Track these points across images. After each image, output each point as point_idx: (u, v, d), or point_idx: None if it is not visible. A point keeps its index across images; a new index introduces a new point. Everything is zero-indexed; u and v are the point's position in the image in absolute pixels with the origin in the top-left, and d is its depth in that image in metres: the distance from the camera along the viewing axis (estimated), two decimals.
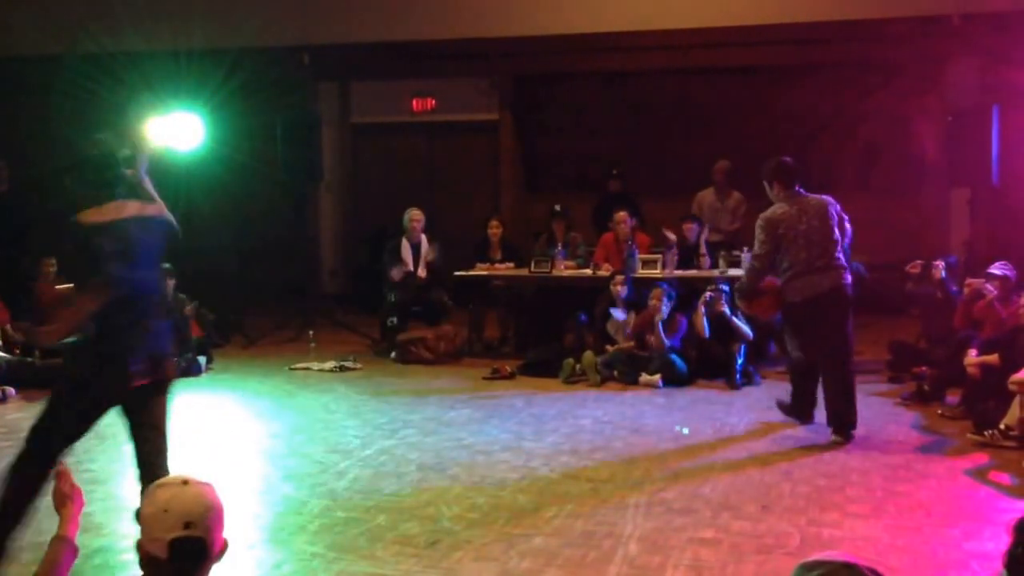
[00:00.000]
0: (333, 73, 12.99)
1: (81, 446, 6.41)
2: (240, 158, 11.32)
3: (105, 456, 6.23)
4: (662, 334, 8.31)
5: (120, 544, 4.67)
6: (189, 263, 9.91)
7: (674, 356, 8.28)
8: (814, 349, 6.56)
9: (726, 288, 8.37)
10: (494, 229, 10.22)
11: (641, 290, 8.80)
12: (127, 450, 6.37)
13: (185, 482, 2.34)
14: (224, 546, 2.38)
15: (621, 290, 8.74)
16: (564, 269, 9.56)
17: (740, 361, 8.24)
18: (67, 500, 2.82)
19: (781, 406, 6.98)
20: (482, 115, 13.32)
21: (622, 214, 9.71)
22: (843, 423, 6.40)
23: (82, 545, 4.58)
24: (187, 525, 2.26)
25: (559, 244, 9.88)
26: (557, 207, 10.30)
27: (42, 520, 4.99)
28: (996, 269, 7.55)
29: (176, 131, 10.88)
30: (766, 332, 8.85)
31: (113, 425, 7.03)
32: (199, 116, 10.83)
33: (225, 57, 10.97)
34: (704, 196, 10.87)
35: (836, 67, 11.90)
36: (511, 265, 9.96)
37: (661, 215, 11.06)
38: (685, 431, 6.54)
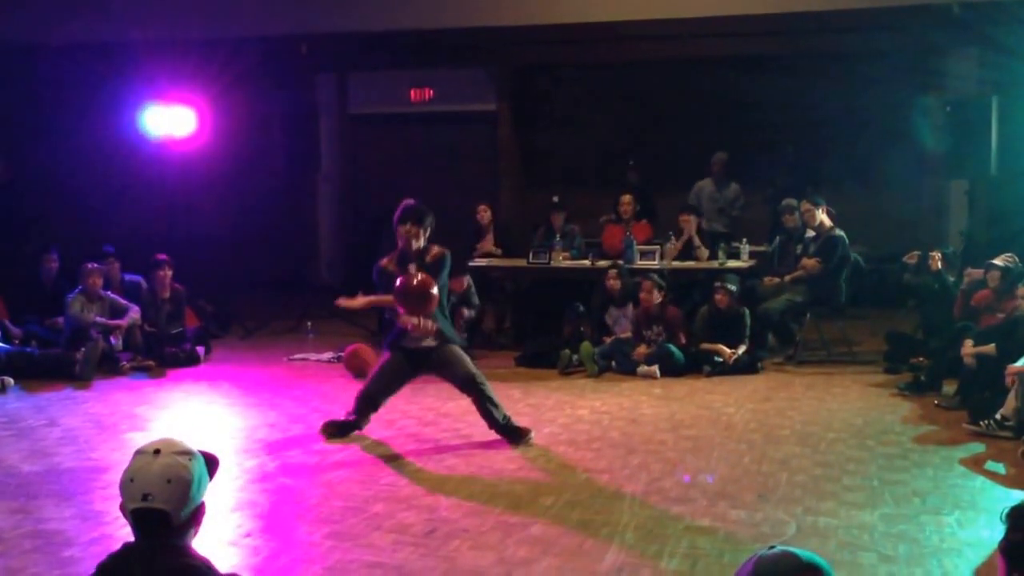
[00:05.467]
0: (331, 63, 12.96)
1: (82, 435, 6.47)
2: (238, 148, 11.31)
3: (106, 445, 6.25)
4: None
5: (120, 532, 4.68)
6: (187, 253, 9.92)
7: (671, 345, 8.29)
8: None
9: (733, 289, 8.39)
10: (482, 214, 10.27)
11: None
12: (126, 440, 6.43)
13: (157, 451, 2.37)
14: (201, 511, 2.42)
15: None
16: (562, 260, 9.57)
17: (741, 351, 8.27)
18: None
19: None
20: (480, 106, 13.28)
21: (627, 197, 9.78)
22: None
23: (82, 534, 4.64)
24: (145, 497, 2.32)
25: (557, 235, 9.89)
26: (555, 198, 10.30)
27: (43, 511, 5.03)
28: (999, 260, 7.55)
29: (174, 121, 10.91)
30: (765, 324, 8.87)
31: (113, 416, 7.07)
32: (197, 106, 10.84)
33: (223, 47, 10.94)
34: (703, 186, 10.92)
35: (835, 57, 11.88)
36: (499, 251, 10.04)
37: (661, 206, 11.08)
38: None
